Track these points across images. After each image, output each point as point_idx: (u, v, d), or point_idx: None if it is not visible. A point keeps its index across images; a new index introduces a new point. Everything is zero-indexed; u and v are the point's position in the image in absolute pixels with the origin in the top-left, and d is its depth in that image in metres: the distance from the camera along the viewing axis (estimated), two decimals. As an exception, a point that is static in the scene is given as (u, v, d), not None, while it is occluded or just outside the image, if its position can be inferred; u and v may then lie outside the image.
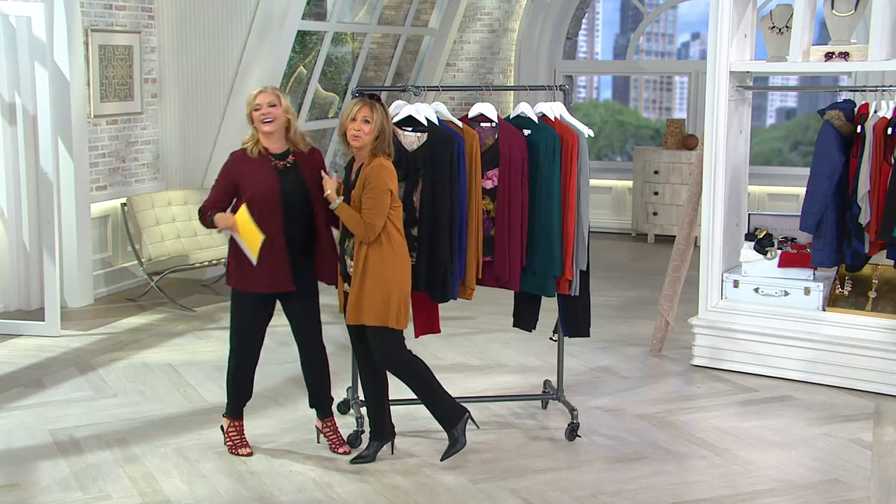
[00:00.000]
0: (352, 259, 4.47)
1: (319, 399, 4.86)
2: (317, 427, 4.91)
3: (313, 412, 4.90)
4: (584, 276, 4.98)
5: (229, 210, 4.58)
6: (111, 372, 6.03)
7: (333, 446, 4.82)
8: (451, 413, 4.58)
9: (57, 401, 5.51)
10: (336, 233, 4.66)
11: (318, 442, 4.91)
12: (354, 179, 4.47)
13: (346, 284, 4.55)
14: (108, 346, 6.57)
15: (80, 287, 7.52)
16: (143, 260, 7.69)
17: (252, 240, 4.43)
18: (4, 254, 7.31)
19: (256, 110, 4.52)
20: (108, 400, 5.54)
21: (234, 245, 4.58)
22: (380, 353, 4.52)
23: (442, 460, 4.58)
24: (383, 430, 4.71)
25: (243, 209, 4.47)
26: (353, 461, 4.66)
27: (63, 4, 7.11)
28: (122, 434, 5.02)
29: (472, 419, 4.63)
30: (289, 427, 5.12)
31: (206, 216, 4.56)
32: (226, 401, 4.83)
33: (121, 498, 4.31)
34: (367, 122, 4.38)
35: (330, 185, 4.48)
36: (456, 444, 4.56)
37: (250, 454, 4.74)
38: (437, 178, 4.75)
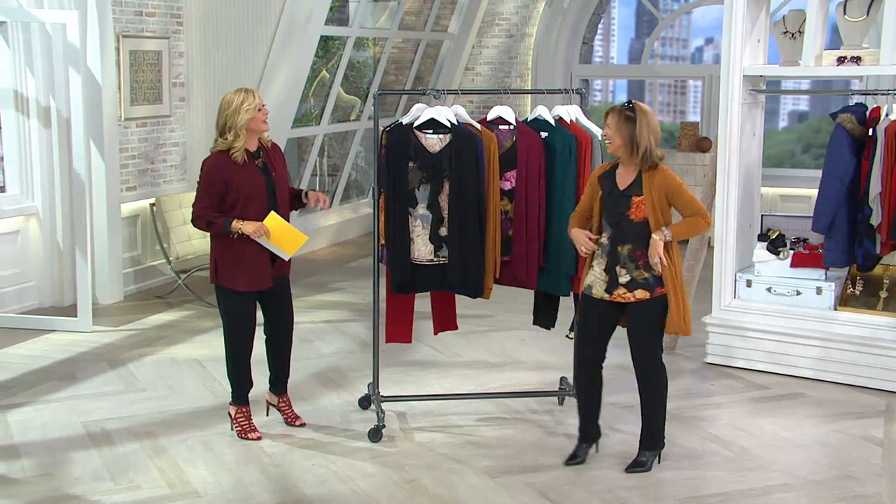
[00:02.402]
0: (623, 267, 4.39)
1: (281, 378, 5.04)
2: (269, 402, 5.10)
3: (338, 408, 4.94)
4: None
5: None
6: (140, 367, 6.07)
7: (290, 419, 5.04)
8: (657, 438, 4.55)
9: (89, 394, 5.55)
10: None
11: (267, 415, 5.08)
12: (632, 185, 4.39)
13: (605, 293, 4.43)
14: (138, 341, 6.61)
15: (111, 284, 7.57)
16: (170, 258, 7.74)
17: (291, 242, 4.64)
18: (39, 252, 7.37)
19: (259, 111, 4.60)
20: (138, 394, 5.58)
21: (217, 245, 4.69)
22: (654, 360, 4.49)
23: (626, 470, 4.51)
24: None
25: (273, 215, 4.60)
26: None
27: (96, 12, 7.16)
28: (150, 426, 5.06)
29: (660, 457, 4.58)
30: (311, 421, 5.12)
31: (218, 225, 4.58)
32: (230, 389, 4.93)
33: (150, 488, 4.34)
34: (609, 127, 4.40)
35: (658, 247, 4.32)
36: (644, 465, 4.52)
37: (259, 438, 4.83)
38: (464, 178, 4.77)
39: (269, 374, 5.05)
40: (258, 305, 4.86)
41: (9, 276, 7.20)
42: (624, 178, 4.44)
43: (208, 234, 4.72)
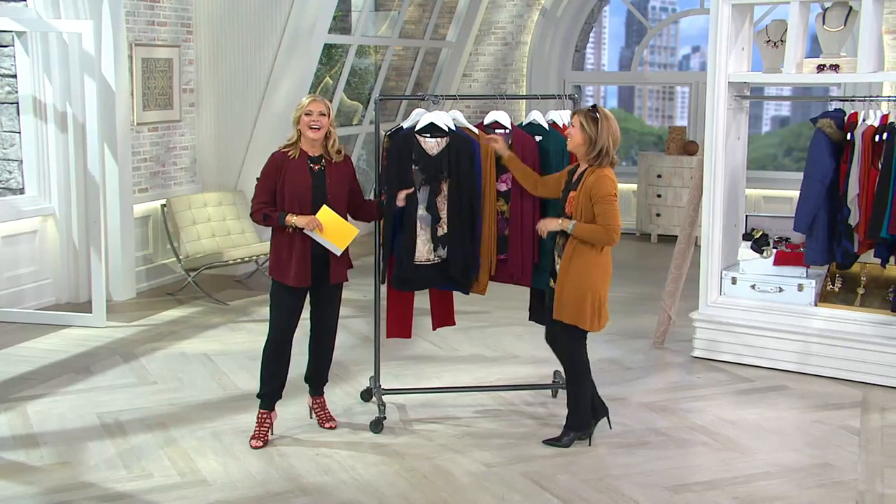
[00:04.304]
0: (559, 256, 4.53)
1: (317, 378, 4.92)
2: (308, 405, 4.99)
3: (341, 400, 4.90)
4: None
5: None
6: (152, 361, 6.07)
7: (322, 421, 4.93)
8: (581, 422, 4.68)
9: (103, 387, 5.56)
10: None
11: (311, 418, 4.98)
12: (577, 180, 4.52)
13: (552, 280, 4.62)
14: (150, 336, 6.62)
15: (124, 282, 7.58)
16: (181, 257, 7.74)
17: (341, 236, 4.57)
18: (56, 251, 7.38)
19: (308, 115, 4.55)
20: (150, 386, 5.59)
21: (273, 239, 4.65)
22: (566, 346, 4.61)
23: (543, 442, 4.71)
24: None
25: (325, 209, 4.54)
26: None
27: (110, 21, 7.16)
28: (162, 418, 5.06)
29: (590, 438, 4.71)
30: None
31: (273, 218, 4.55)
32: (258, 388, 4.79)
33: (161, 477, 4.35)
34: (573, 126, 4.50)
35: (548, 224, 4.53)
36: (560, 441, 4.67)
37: (255, 447, 4.64)
38: (462, 179, 4.79)
39: (306, 375, 4.95)
40: (310, 307, 4.77)
41: (28, 273, 7.22)
42: (577, 174, 4.57)
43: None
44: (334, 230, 4.56)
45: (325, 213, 4.55)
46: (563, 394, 5.40)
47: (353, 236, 4.61)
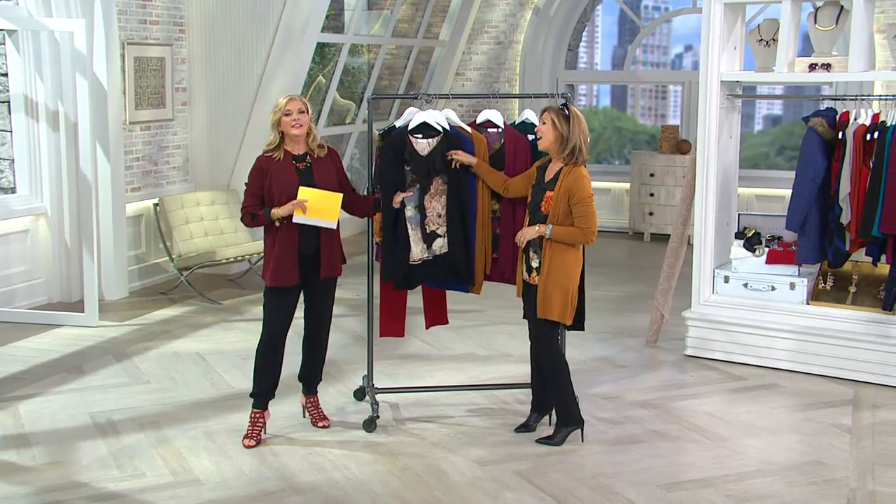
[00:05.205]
0: (535, 252, 4.56)
1: (310, 376, 4.91)
2: (302, 403, 4.99)
3: (334, 399, 4.89)
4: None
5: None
6: (145, 360, 6.06)
7: (315, 420, 4.93)
8: (569, 415, 4.69)
9: (96, 386, 5.55)
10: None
11: (304, 417, 4.98)
12: (552, 179, 4.54)
13: (526, 274, 4.63)
14: (142, 335, 6.61)
15: (117, 281, 7.56)
16: (173, 256, 7.73)
17: (329, 208, 4.50)
18: (48, 250, 7.36)
19: (287, 115, 4.54)
20: (142, 386, 5.58)
21: (268, 242, 4.62)
22: (543, 343, 4.62)
23: (537, 441, 4.71)
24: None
25: (303, 189, 4.49)
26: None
27: (102, 20, 7.15)
28: (154, 417, 5.06)
29: (582, 433, 4.72)
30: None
31: (259, 216, 4.55)
32: (251, 388, 4.78)
33: (154, 476, 4.34)
34: (544, 123, 4.53)
35: (526, 232, 4.55)
36: (553, 439, 4.68)
37: (248, 447, 4.64)
38: (454, 179, 4.79)
39: (300, 374, 4.93)
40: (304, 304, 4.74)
41: (19, 273, 7.19)
42: (549, 172, 4.60)
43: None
44: (320, 205, 4.49)
45: (305, 192, 4.50)
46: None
47: (340, 201, 4.54)
